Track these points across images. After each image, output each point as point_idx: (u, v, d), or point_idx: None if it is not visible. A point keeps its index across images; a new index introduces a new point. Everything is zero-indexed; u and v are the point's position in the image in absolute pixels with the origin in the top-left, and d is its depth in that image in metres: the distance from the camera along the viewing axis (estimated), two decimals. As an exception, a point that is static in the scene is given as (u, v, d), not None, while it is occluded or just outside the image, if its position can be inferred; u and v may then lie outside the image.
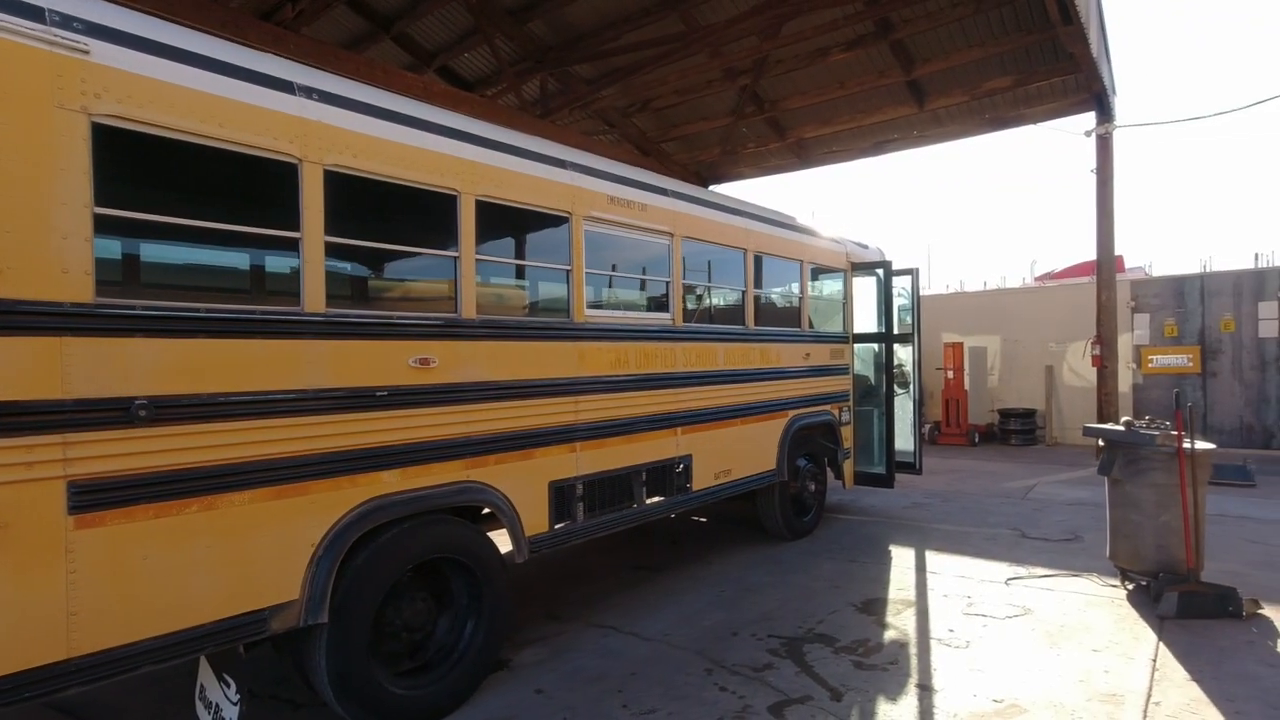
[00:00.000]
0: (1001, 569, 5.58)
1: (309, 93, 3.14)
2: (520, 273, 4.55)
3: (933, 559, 5.93)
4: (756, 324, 5.84)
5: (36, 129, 2.43)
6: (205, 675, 3.15)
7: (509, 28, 10.12)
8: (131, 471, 2.60)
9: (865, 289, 7.41)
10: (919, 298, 7.49)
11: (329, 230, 3.15)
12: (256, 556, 2.90)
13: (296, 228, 3.06)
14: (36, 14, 2.45)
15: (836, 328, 7.11)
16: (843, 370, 7.04)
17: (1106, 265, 10.56)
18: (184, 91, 2.75)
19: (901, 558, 6.01)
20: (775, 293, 6.39)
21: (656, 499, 4.89)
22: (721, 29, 9.10)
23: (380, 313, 3.45)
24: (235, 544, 2.84)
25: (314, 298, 3.10)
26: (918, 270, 7.42)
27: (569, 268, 4.28)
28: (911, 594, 5.11)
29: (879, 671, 3.91)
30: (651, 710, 3.55)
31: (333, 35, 10.57)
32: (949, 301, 14.52)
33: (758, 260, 5.87)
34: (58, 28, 2.48)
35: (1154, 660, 3.98)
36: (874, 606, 4.87)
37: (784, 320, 6.39)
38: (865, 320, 7.39)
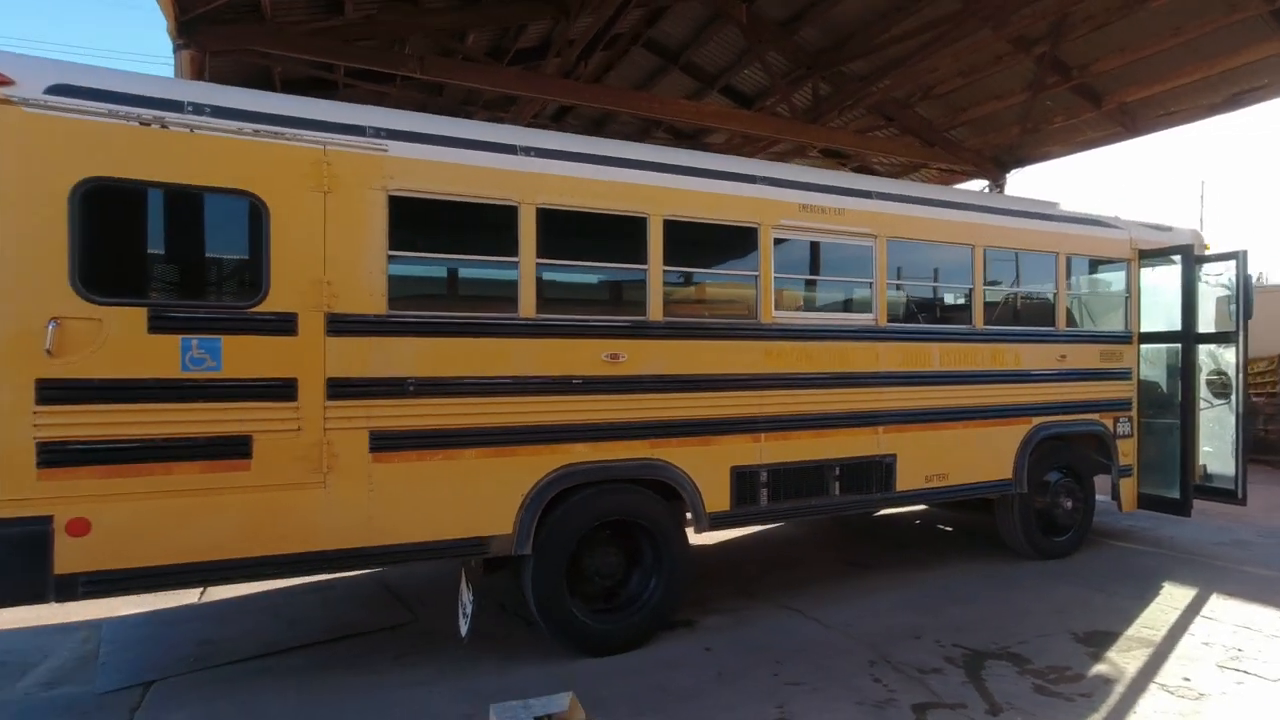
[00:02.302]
0: (1324, 631, 4.41)
1: (528, 151, 4.11)
2: (709, 278, 5.06)
3: (1215, 604, 4.89)
4: (988, 323, 5.46)
5: (358, 203, 3.73)
6: (463, 583, 4.33)
7: (779, 40, 10.53)
8: (404, 428, 3.80)
9: (1167, 279, 6.25)
10: (1248, 288, 6.06)
11: (540, 254, 4.08)
12: (482, 497, 3.94)
13: (515, 253, 4.05)
14: (360, 130, 3.77)
15: (1115, 325, 6.16)
16: (1120, 374, 6.08)
17: None
18: (444, 165, 3.89)
19: (1171, 596, 5.07)
20: (1019, 289, 5.84)
21: (853, 494, 4.98)
22: (1004, -1, 8.32)
23: (578, 316, 4.31)
24: (467, 486, 3.91)
25: (527, 305, 4.06)
26: (1244, 254, 6.01)
27: (756, 273, 4.67)
28: (1157, 634, 4.38)
29: (1060, 700, 3.58)
30: (797, 683, 3.81)
31: (632, 75, 12.11)
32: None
33: (991, 255, 5.48)
34: (370, 138, 3.77)
35: None
36: (1098, 639, 4.32)
37: (1031, 318, 5.81)
38: (1166, 317, 6.24)
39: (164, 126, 3.36)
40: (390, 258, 3.78)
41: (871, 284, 5.05)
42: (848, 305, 5.24)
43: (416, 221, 3.99)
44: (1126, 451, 6.12)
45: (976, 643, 4.29)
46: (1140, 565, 5.83)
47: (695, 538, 6.43)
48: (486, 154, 4.01)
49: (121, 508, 3.24)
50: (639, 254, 4.36)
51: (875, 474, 5.03)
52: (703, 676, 3.90)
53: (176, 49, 7.37)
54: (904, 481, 5.13)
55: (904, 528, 7.28)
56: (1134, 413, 6.16)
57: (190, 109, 3.43)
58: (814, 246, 4.96)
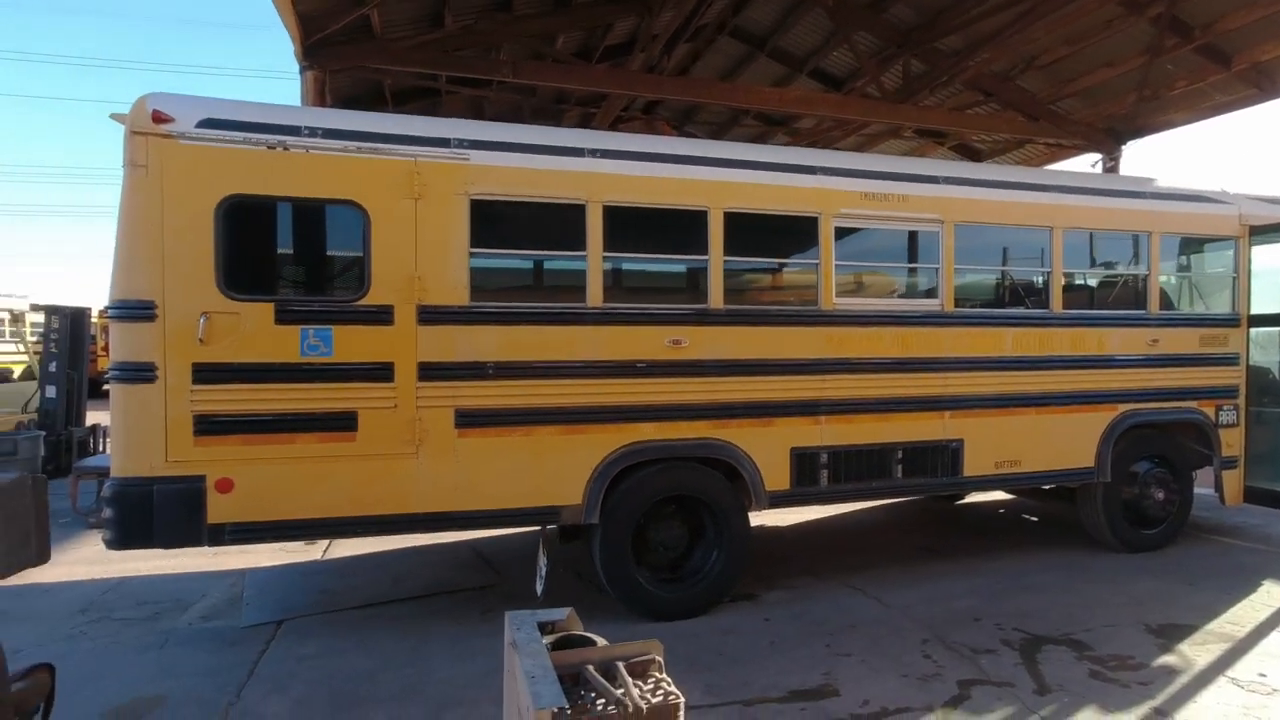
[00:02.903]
0: None
1: (594, 153, 4.46)
2: (770, 267, 5.23)
3: (1319, 603, 4.59)
4: (1068, 307, 5.32)
5: (444, 207, 4.21)
6: (540, 548, 4.78)
7: (867, 20, 10.34)
8: (485, 407, 4.26)
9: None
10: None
11: (606, 247, 4.43)
12: (554, 470, 4.35)
13: (584, 247, 4.41)
14: (445, 143, 4.24)
15: (1221, 307, 5.79)
16: (1224, 360, 5.71)
17: None
18: (518, 170, 4.31)
19: (1268, 594, 4.80)
20: (1106, 270, 5.62)
21: (916, 478, 5.04)
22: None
23: (642, 305, 4.63)
24: (541, 459, 4.33)
25: (594, 295, 4.42)
26: (1378, 228, 5.49)
27: (816, 261, 4.82)
28: (1240, 630, 4.20)
29: (1115, 686, 3.57)
30: (847, 654, 3.99)
31: (719, 64, 12.23)
32: None
33: (1072, 237, 5.32)
34: (454, 148, 4.23)
35: None
36: (1171, 631, 4.20)
37: (1120, 301, 5.58)
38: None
39: (286, 149, 3.95)
40: (472, 254, 4.24)
41: (937, 269, 5.06)
42: (912, 291, 5.27)
43: (495, 221, 4.43)
44: (1231, 442, 5.76)
45: (1038, 629, 4.28)
46: (1240, 562, 5.50)
47: (766, 517, 6.67)
48: (556, 157, 4.39)
49: (257, 470, 3.88)
50: (700, 245, 4.61)
51: (940, 458, 5.06)
52: (757, 644, 4.16)
53: (302, 70, 8.24)
54: (972, 467, 5.12)
55: (986, 516, 7.14)
56: (1241, 400, 5.79)
57: (306, 132, 4.01)
58: (877, 233, 5.03)
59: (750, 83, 11.56)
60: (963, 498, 7.51)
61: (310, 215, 4.26)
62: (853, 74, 11.80)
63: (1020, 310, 5.32)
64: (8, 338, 16.45)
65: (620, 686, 1.35)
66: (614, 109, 11.62)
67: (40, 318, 10.69)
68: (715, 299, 4.61)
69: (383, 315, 4.07)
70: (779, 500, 4.77)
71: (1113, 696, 3.48)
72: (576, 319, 4.41)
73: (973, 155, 13.39)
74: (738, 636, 4.25)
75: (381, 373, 4.06)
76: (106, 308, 4.05)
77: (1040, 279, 5.36)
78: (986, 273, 5.47)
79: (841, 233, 4.86)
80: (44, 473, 7.54)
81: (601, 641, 1.76)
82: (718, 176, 4.61)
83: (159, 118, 3.77)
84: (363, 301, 4.06)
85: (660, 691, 1.39)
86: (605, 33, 10.25)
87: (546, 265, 4.85)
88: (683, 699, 1.39)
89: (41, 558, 1.96)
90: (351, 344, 4.02)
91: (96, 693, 3.55)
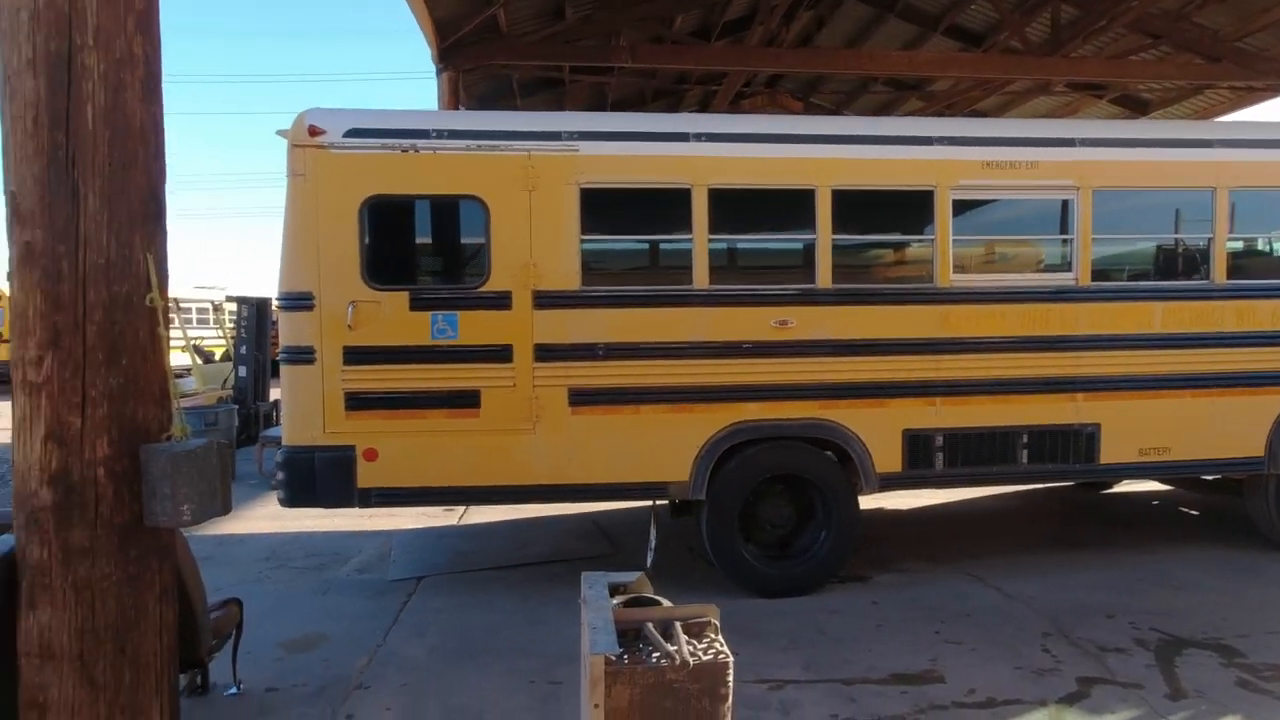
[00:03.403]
0: None
1: (699, 136, 4.53)
2: (881, 243, 5.05)
3: None
4: (1232, 277, 4.75)
5: (558, 198, 4.46)
6: (651, 521, 5.00)
7: (1009, -32, 9.55)
8: (595, 386, 4.50)
9: None
10: None
11: (712, 230, 4.50)
12: (662, 447, 4.53)
13: (689, 231, 4.51)
14: (556, 136, 4.48)
15: None
16: None
17: None
18: (625, 158, 4.48)
19: None
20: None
21: (1043, 464, 4.74)
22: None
23: (748, 286, 4.67)
24: (650, 437, 4.52)
25: (700, 278, 4.51)
26: None
27: (932, 237, 4.62)
28: None
29: (1268, 698, 3.25)
30: (957, 642, 3.89)
31: (845, 29, 11.72)
32: None
33: (1239, 198, 4.73)
34: (564, 141, 4.46)
35: None
36: (1349, 642, 3.72)
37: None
38: None
39: (416, 151, 4.35)
40: (582, 241, 4.47)
41: (1070, 240, 4.68)
42: (1040, 264, 4.91)
43: (603, 208, 4.62)
44: None
45: (1180, 630, 3.94)
46: None
47: (885, 500, 6.51)
48: (661, 144, 4.51)
49: (396, 442, 4.36)
50: (807, 225, 4.57)
51: (1072, 444, 4.72)
52: (862, 625, 4.14)
53: (438, 72, 8.87)
54: (1111, 453, 4.74)
55: (1136, 507, 6.55)
56: None
57: (434, 135, 4.39)
58: (1000, 204, 4.73)
59: (879, 47, 11.01)
60: (1109, 486, 6.92)
61: (438, 210, 4.67)
62: (993, 28, 10.92)
63: (1173, 283, 4.82)
64: (210, 325, 19.07)
65: (674, 643, 1.48)
66: (734, 86, 11.51)
67: (234, 307, 12.30)
68: (823, 278, 4.56)
69: (502, 301, 4.40)
70: (890, 483, 4.68)
71: (1263, 709, 3.17)
72: (682, 301, 4.53)
73: (1138, 108, 12.01)
74: (842, 617, 4.25)
75: (501, 354, 4.40)
76: (277, 298, 4.67)
77: (1199, 247, 4.81)
78: (1130, 242, 4.99)
79: (960, 206, 4.62)
80: (236, 441, 8.77)
81: (666, 603, 1.90)
82: (825, 153, 4.53)
83: (314, 131, 4.27)
84: (484, 288, 4.41)
85: (711, 650, 1.51)
86: (724, 8, 10.15)
87: (653, 249, 5.00)
88: (731, 658, 1.49)
89: (225, 510, 2.40)
90: (475, 328, 4.38)
91: (274, 626, 4.18)
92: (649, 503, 4.88)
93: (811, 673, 3.58)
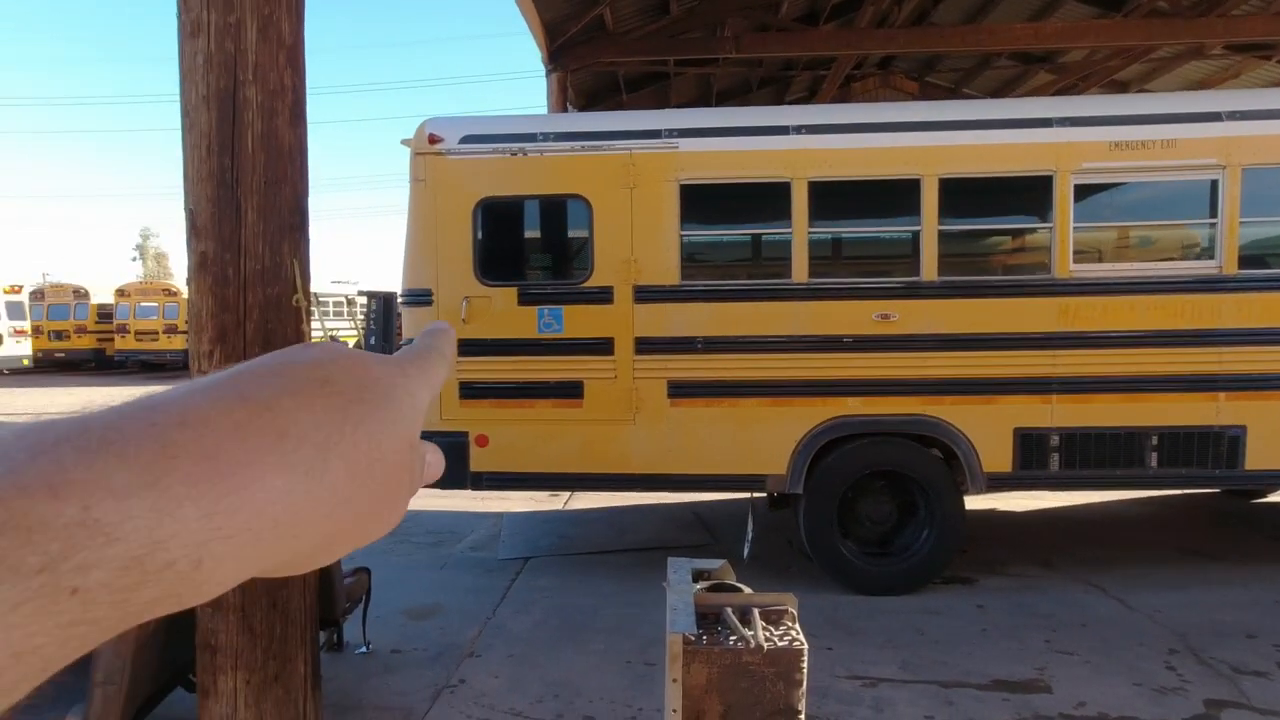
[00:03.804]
0: None
1: (799, 129, 4.50)
2: (993, 233, 4.80)
3: None
4: None
5: (656, 194, 4.58)
6: (748, 513, 5.05)
7: (1154, -75, 8.72)
8: (694, 378, 4.59)
9: None
10: None
11: (811, 223, 4.47)
12: (759, 440, 4.56)
13: (788, 224, 4.50)
14: (656, 134, 4.59)
15: None
16: None
17: None
18: (724, 154, 4.53)
19: None
20: None
21: (1177, 468, 4.38)
22: None
23: (848, 279, 4.60)
24: (747, 429, 4.57)
25: (799, 271, 4.50)
26: None
27: (1050, 225, 4.37)
28: None
29: None
30: (1069, 652, 3.70)
31: (964, 4, 11.12)
32: None
33: None
34: (665, 139, 4.57)
35: None
36: None
37: None
38: None
39: (524, 154, 4.59)
40: (681, 236, 4.56)
41: (1214, 224, 4.29)
42: (1176, 251, 4.52)
43: (703, 203, 4.70)
44: None
45: (1337, 655, 3.57)
46: None
47: (998, 500, 6.21)
48: (760, 138, 4.51)
49: (505, 429, 4.64)
50: (912, 216, 4.45)
51: (1212, 447, 4.33)
52: (964, 629, 4.02)
53: (548, 74, 9.20)
54: (1259, 459, 4.31)
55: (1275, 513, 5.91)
56: None
57: (540, 138, 4.61)
58: (1130, 188, 4.39)
59: (1001, 20, 10.35)
60: (1263, 494, 6.27)
61: (545, 209, 4.90)
62: (1135, -9, 10.00)
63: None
64: (344, 317, 20.77)
65: (752, 628, 1.56)
66: (843, 69, 11.21)
67: (364, 300, 13.35)
68: (928, 271, 4.42)
69: (604, 295, 4.58)
70: (998, 483, 4.49)
71: None
72: (781, 295, 4.54)
73: (1315, 70, 10.64)
74: (944, 619, 4.14)
75: (603, 347, 4.58)
76: (400, 294, 5.08)
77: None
78: (1286, 225, 4.49)
79: (1082, 191, 4.34)
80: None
81: (747, 590, 1.97)
82: (932, 141, 4.38)
83: (433, 139, 4.60)
84: (587, 283, 4.60)
85: (787, 637, 1.57)
86: (832, -9, 9.90)
87: (752, 242, 5.02)
88: (805, 646, 1.54)
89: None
90: (578, 321, 4.59)
91: (397, 595, 4.58)
92: (746, 494, 4.93)
93: (908, 672, 3.53)
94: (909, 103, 4.56)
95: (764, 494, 4.87)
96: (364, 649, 3.85)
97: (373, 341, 11.57)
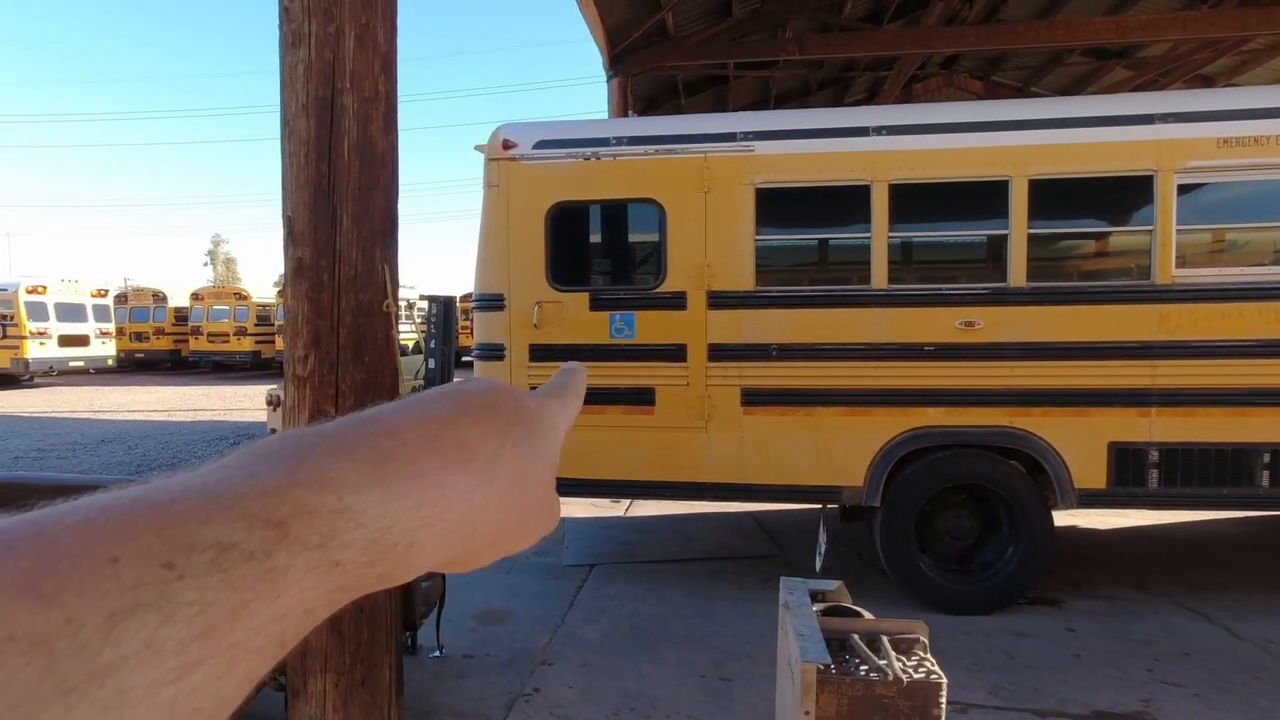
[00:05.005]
0: None
1: (879, 130, 4.36)
2: (1087, 236, 4.56)
3: None
4: None
5: (731, 198, 4.50)
6: (820, 525, 4.92)
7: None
8: (768, 387, 4.49)
9: None
10: None
11: (892, 227, 4.33)
12: (835, 450, 4.44)
13: (868, 229, 4.37)
14: (731, 137, 4.51)
15: None
16: None
17: None
18: (801, 156, 4.42)
19: None
20: None
21: (1293, 489, 4.09)
22: None
23: (930, 286, 4.43)
24: (822, 439, 4.45)
25: (878, 277, 4.36)
26: None
27: (1150, 227, 4.13)
28: None
29: None
30: (1176, 684, 3.48)
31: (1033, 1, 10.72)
32: None
33: None
34: (740, 142, 4.49)
35: None
36: None
37: None
38: None
39: (597, 159, 4.57)
40: (757, 241, 4.47)
41: (1337, 228, 3.99)
42: (1295, 256, 4.22)
43: (779, 208, 4.60)
44: None
45: None
46: None
47: (1088, 518, 5.92)
48: (840, 139, 4.39)
49: (575, 434, 4.48)
50: (999, 219, 4.27)
51: (1332, 466, 4.03)
52: (1056, 653, 3.81)
53: (609, 79, 9.21)
54: (1385, 480, 3.99)
55: None
56: None
57: (613, 142, 4.58)
58: (1241, 187, 4.12)
59: (1076, 14, 9.94)
60: (1379, 518, 5.82)
61: (617, 214, 4.87)
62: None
63: None
64: (406, 320, 21.31)
65: (884, 658, 1.47)
66: (907, 70, 10.93)
67: (424, 305, 13.63)
68: (1016, 276, 4.23)
69: (677, 301, 4.52)
70: (1091, 500, 4.26)
71: None
72: (859, 302, 4.40)
73: None
74: (1033, 641, 3.94)
75: (676, 353, 4.52)
76: (471, 298, 5.12)
77: None
78: None
79: (1186, 191, 4.09)
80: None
81: (868, 615, 1.88)
82: (1021, 140, 4.19)
83: (507, 145, 4.62)
84: (660, 289, 4.54)
85: (923, 669, 1.47)
86: (899, -11, 9.67)
87: (829, 248, 4.90)
88: (944, 680, 1.44)
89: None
90: (650, 327, 4.54)
91: (468, 599, 4.59)
92: (818, 505, 4.80)
93: (999, 699, 3.36)
94: (996, 101, 4.37)
95: (835, 505, 4.73)
96: (437, 653, 3.87)
97: (433, 345, 11.77)
